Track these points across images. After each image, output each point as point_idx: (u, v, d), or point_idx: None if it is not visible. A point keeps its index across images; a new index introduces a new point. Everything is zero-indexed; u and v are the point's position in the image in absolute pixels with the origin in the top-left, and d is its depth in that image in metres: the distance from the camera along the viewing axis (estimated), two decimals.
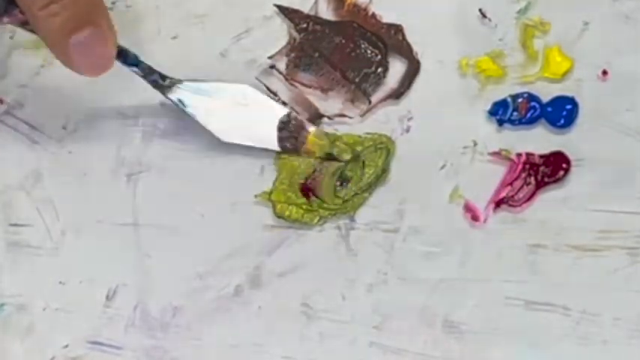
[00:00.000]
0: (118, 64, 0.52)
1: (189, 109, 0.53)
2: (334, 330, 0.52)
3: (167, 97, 0.53)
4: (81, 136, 0.55)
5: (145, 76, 0.53)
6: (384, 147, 0.53)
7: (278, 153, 0.54)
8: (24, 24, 0.51)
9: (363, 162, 0.53)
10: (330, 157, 0.53)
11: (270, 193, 0.53)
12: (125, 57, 0.52)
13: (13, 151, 0.55)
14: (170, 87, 0.53)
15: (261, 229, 0.53)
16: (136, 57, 0.53)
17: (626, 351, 0.50)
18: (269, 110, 0.54)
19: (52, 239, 0.54)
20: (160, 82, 0.53)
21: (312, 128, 0.53)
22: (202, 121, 0.53)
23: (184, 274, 0.53)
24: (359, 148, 0.53)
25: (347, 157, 0.53)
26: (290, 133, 0.53)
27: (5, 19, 0.51)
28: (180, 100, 0.53)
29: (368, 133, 0.54)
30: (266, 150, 0.54)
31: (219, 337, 0.52)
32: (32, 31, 0.51)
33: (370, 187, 0.53)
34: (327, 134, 0.53)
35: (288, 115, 0.53)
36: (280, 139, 0.53)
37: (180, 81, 0.53)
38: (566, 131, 0.53)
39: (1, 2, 0.51)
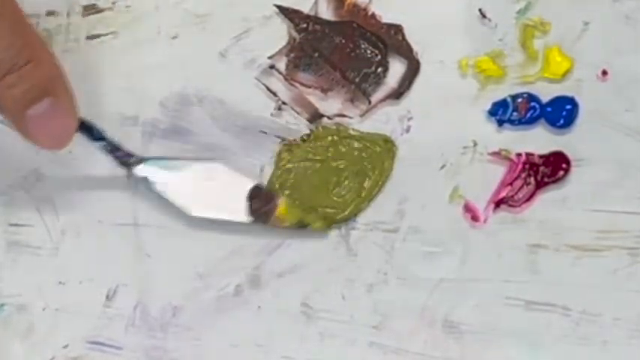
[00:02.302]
0: (114, 62, 0.52)
1: (156, 186, 0.53)
2: (334, 330, 0.52)
3: (133, 174, 0.53)
4: (81, 136, 0.55)
5: (110, 152, 0.52)
6: (390, 149, 0.53)
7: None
8: None
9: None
10: (301, 225, 0.53)
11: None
12: (90, 131, 0.51)
13: (13, 151, 0.55)
14: (137, 164, 0.53)
15: (261, 229, 0.53)
16: (101, 132, 0.52)
17: (626, 351, 0.50)
18: (238, 183, 0.53)
19: (52, 239, 0.54)
20: (125, 159, 0.52)
21: (280, 200, 0.53)
22: (170, 197, 0.52)
23: (184, 274, 0.53)
24: (361, 146, 0.53)
25: (318, 225, 0.53)
26: (260, 205, 0.53)
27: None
28: (146, 178, 0.52)
29: (369, 133, 0.54)
30: (260, 155, 0.54)
31: (219, 337, 0.53)
32: None
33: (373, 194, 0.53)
34: (298, 207, 0.53)
35: (258, 186, 0.53)
36: (251, 212, 0.52)
37: (147, 159, 0.53)
38: (566, 131, 0.53)
39: None
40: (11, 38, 0.47)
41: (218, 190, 0.53)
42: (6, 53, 0.47)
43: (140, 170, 0.53)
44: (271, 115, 0.54)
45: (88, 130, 0.51)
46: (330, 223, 0.53)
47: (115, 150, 0.52)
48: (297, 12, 0.55)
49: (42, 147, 0.50)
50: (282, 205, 0.53)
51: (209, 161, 0.53)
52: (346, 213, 0.53)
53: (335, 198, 0.53)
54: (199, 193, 0.53)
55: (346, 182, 0.53)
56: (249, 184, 0.53)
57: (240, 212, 0.53)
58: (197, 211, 0.53)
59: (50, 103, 0.48)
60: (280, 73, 0.55)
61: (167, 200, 0.53)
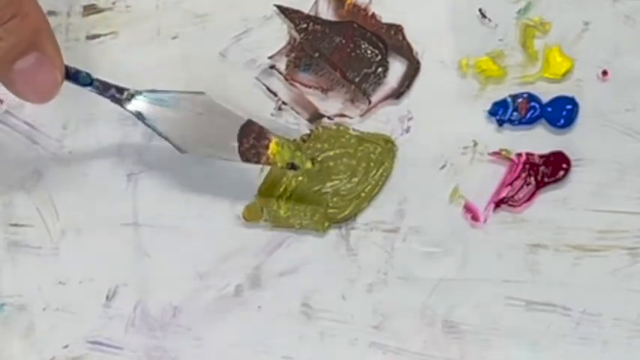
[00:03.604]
0: (113, 60, 0.51)
1: (148, 121, 0.52)
2: (334, 330, 0.52)
3: (126, 110, 0.52)
4: (81, 136, 0.55)
5: (101, 93, 0.52)
6: (390, 149, 0.53)
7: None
8: None
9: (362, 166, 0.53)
10: (291, 167, 0.52)
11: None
12: (77, 78, 0.51)
13: (13, 151, 0.55)
14: (129, 99, 0.52)
15: (261, 229, 0.53)
16: (88, 76, 0.51)
17: (626, 351, 0.50)
18: (229, 120, 0.52)
19: (52, 239, 0.54)
20: (118, 95, 0.52)
21: (272, 137, 0.52)
22: (163, 133, 0.52)
23: (184, 274, 0.53)
24: (361, 146, 0.53)
25: (308, 166, 0.53)
26: (251, 143, 0.52)
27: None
28: (139, 112, 0.52)
29: (369, 133, 0.54)
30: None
31: (219, 337, 0.53)
32: None
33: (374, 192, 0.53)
34: (288, 142, 0.52)
35: (249, 123, 0.52)
36: (241, 150, 0.52)
37: (138, 92, 0.52)
38: (566, 131, 0.53)
39: None
40: None
41: (210, 127, 0.52)
42: None
43: (133, 105, 0.52)
44: (271, 115, 0.54)
45: (74, 76, 0.51)
46: (330, 223, 0.53)
47: (106, 90, 0.52)
48: (297, 12, 0.55)
49: (28, 101, 0.49)
50: (273, 144, 0.52)
51: (199, 94, 0.52)
52: (346, 213, 0.53)
53: (335, 198, 0.53)
54: (191, 130, 0.52)
55: (346, 182, 0.53)
56: (240, 121, 0.52)
57: (232, 151, 0.52)
58: (189, 149, 0.51)
59: (37, 57, 0.48)
60: (280, 73, 0.55)
61: (159, 135, 0.52)
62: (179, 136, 0.52)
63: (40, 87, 0.49)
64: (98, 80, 0.51)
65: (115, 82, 0.52)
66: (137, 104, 0.52)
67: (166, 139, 0.52)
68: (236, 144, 0.52)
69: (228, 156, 0.52)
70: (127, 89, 0.52)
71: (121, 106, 0.52)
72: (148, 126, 0.52)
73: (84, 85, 0.51)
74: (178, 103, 0.52)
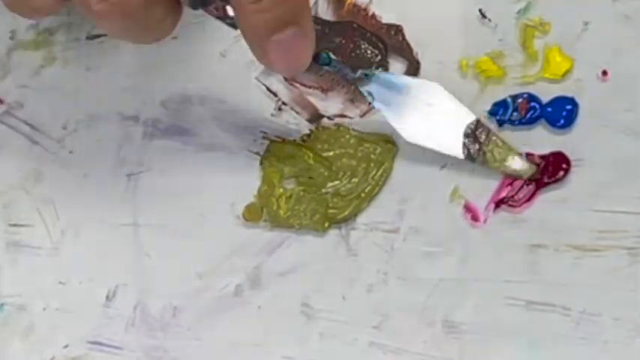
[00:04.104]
0: (113, 59, 0.52)
1: (376, 103, 0.52)
2: (334, 330, 0.52)
3: (359, 90, 0.52)
4: (81, 136, 0.55)
5: (337, 73, 0.52)
6: (390, 149, 0.53)
7: (265, 153, 0.54)
8: (220, 18, 0.50)
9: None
10: (512, 173, 0.52)
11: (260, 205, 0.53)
12: (317, 58, 0.51)
13: (13, 151, 0.55)
14: (361, 79, 0.52)
15: (261, 229, 0.53)
16: (328, 56, 0.52)
17: (626, 351, 0.50)
18: (457, 114, 0.52)
19: (52, 239, 0.54)
20: (351, 75, 0.52)
21: (496, 138, 0.52)
22: (388, 116, 0.52)
23: (184, 274, 0.53)
24: (361, 146, 0.53)
25: (529, 173, 0.52)
26: (476, 141, 0.52)
27: (201, 11, 0.50)
28: (369, 93, 0.52)
29: (369, 133, 0.54)
30: (261, 146, 0.54)
31: (219, 337, 0.53)
32: (231, 24, 0.50)
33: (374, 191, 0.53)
34: (510, 148, 0.52)
35: (477, 121, 0.52)
36: (465, 146, 0.52)
37: (373, 73, 0.52)
38: (566, 131, 0.53)
39: None
40: None
41: (437, 118, 0.52)
42: None
43: (365, 86, 0.52)
44: (271, 115, 0.55)
45: (315, 56, 0.51)
46: (330, 223, 0.53)
47: (341, 70, 0.52)
48: None
49: (276, 71, 0.51)
50: (497, 146, 0.52)
51: (434, 83, 0.52)
52: (346, 213, 0.53)
53: (335, 198, 0.53)
54: (418, 119, 0.52)
55: (346, 182, 0.53)
56: (469, 118, 0.52)
57: (455, 147, 0.52)
58: (411, 137, 0.52)
59: (295, 31, 0.48)
60: None
61: (385, 119, 0.52)
62: (404, 123, 0.52)
63: (291, 61, 0.49)
64: (335, 61, 0.52)
65: (349, 65, 0.53)
66: (369, 84, 0.52)
67: (391, 124, 0.52)
68: (461, 140, 0.52)
69: (450, 151, 0.52)
70: (361, 70, 0.52)
71: (355, 85, 0.53)
72: (376, 108, 0.52)
73: (322, 64, 0.52)
74: (409, 89, 0.52)
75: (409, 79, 0.53)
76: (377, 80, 0.52)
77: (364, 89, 0.52)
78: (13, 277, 0.54)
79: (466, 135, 0.52)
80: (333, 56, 0.52)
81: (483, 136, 0.52)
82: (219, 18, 0.50)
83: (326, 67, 0.52)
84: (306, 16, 0.49)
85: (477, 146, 0.52)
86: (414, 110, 0.52)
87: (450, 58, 0.54)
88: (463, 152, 0.52)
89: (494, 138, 0.52)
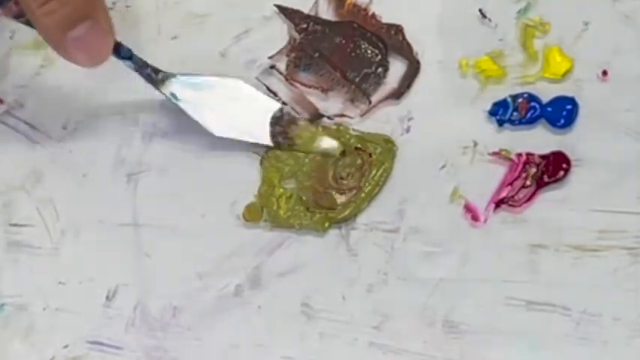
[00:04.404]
0: (113, 60, 0.52)
1: (181, 103, 0.53)
2: (334, 330, 0.52)
3: (160, 91, 0.53)
4: (81, 136, 0.55)
5: (138, 70, 0.53)
6: (390, 149, 0.53)
7: (265, 153, 0.54)
8: (17, 17, 0.51)
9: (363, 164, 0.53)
10: (323, 153, 0.53)
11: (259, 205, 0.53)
12: (119, 50, 0.52)
13: (13, 151, 0.55)
14: (163, 81, 0.53)
15: (261, 229, 0.53)
16: (129, 50, 0.53)
17: (626, 351, 0.50)
18: (262, 105, 0.53)
19: (52, 239, 0.54)
20: (153, 75, 0.53)
21: (303, 122, 0.53)
22: (195, 115, 0.53)
23: (184, 274, 0.53)
24: (364, 145, 0.53)
25: (335, 152, 0.53)
26: (282, 128, 0.53)
27: None
28: (172, 94, 0.53)
29: (369, 133, 0.54)
30: (261, 146, 0.54)
31: (219, 337, 0.53)
32: (26, 23, 0.51)
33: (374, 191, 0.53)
34: (318, 127, 0.53)
35: (281, 109, 0.53)
36: (272, 134, 0.53)
37: (173, 75, 0.53)
38: (566, 131, 0.53)
39: None
40: None
41: (242, 111, 0.53)
42: None
43: (167, 87, 0.53)
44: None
45: (116, 48, 0.52)
46: (330, 223, 0.53)
47: (142, 68, 0.53)
48: (297, 12, 0.55)
49: (81, 65, 0.51)
50: (303, 129, 0.53)
51: (237, 80, 0.54)
52: (346, 213, 0.53)
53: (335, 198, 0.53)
54: (224, 113, 0.53)
55: (346, 182, 0.53)
56: (273, 107, 0.53)
57: (263, 135, 0.53)
58: (220, 131, 0.53)
59: (89, 25, 0.49)
60: (280, 73, 0.55)
61: (190, 118, 0.53)
62: (211, 118, 0.53)
63: (92, 54, 0.50)
64: (137, 57, 0.53)
65: (152, 65, 0.53)
66: (171, 86, 0.53)
67: (198, 121, 0.53)
68: (268, 128, 0.52)
69: (259, 139, 0.53)
70: (162, 71, 0.53)
71: (155, 86, 0.53)
72: (181, 108, 0.53)
73: (124, 58, 0.53)
74: (213, 87, 0.53)
75: (210, 78, 0.54)
76: (179, 82, 0.53)
77: (167, 91, 0.53)
78: (13, 277, 0.54)
79: (272, 123, 0.53)
80: (134, 53, 0.53)
81: (288, 122, 0.53)
82: (15, 18, 0.51)
83: (127, 62, 0.53)
84: (98, 9, 0.50)
85: (283, 132, 0.53)
86: (219, 106, 0.53)
87: (450, 57, 0.54)
88: (271, 139, 0.53)
89: (300, 122, 0.53)
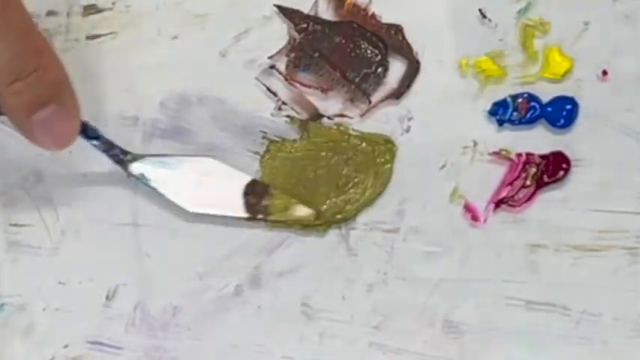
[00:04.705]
0: (114, 60, 0.52)
1: (152, 183, 0.53)
2: (334, 330, 0.52)
3: (128, 172, 0.53)
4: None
5: (105, 151, 0.53)
6: (390, 149, 0.53)
7: (264, 153, 0.54)
8: None
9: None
10: (297, 221, 0.53)
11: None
12: (85, 131, 0.52)
13: (13, 151, 0.55)
14: (131, 161, 0.53)
15: (261, 229, 0.53)
16: (95, 131, 0.52)
17: (626, 351, 0.50)
18: (233, 178, 0.53)
19: (52, 239, 0.54)
20: (121, 157, 0.53)
21: (275, 192, 0.53)
22: (167, 194, 0.53)
23: (184, 274, 0.53)
24: (363, 144, 0.53)
25: (310, 218, 0.53)
26: (256, 199, 0.53)
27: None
28: (142, 175, 0.53)
29: (369, 133, 0.54)
30: (261, 147, 0.54)
31: (219, 337, 0.53)
32: None
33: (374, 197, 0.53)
34: (289, 198, 0.53)
35: (253, 181, 0.53)
36: (246, 206, 0.53)
37: (141, 156, 0.53)
38: (566, 131, 0.53)
39: None
40: (19, 46, 0.48)
41: (214, 186, 0.53)
42: (14, 61, 0.48)
43: (136, 168, 0.53)
44: (271, 115, 0.54)
45: (83, 129, 0.51)
46: (331, 223, 0.53)
47: (109, 149, 0.53)
48: (297, 12, 0.55)
49: (45, 149, 0.51)
50: (277, 198, 0.53)
51: (204, 157, 0.53)
52: (346, 214, 0.53)
53: (334, 198, 0.53)
54: (196, 190, 0.53)
55: (346, 182, 0.53)
56: (244, 180, 0.53)
57: (237, 208, 0.53)
58: (195, 208, 0.53)
59: (55, 109, 0.49)
60: (280, 73, 0.55)
61: (162, 197, 0.53)
62: (184, 196, 0.53)
63: (57, 137, 0.50)
64: (105, 138, 0.53)
65: (120, 146, 0.53)
66: (140, 167, 0.53)
67: (170, 200, 0.53)
68: (242, 201, 0.52)
69: (234, 213, 0.53)
70: (130, 152, 0.53)
71: (123, 167, 0.53)
72: (151, 188, 0.53)
73: (90, 138, 0.52)
74: (182, 165, 0.53)
75: (181, 158, 0.53)
76: (148, 162, 0.53)
77: (136, 171, 0.53)
78: (13, 277, 0.54)
79: (245, 194, 0.53)
80: (100, 133, 0.52)
81: (261, 192, 0.53)
82: None
83: (94, 143, 0.52)
84: (65, 91, 0.50)
85: (256, 202, 0.53)
86: (191, 183, 0.53)
87: (450, 57, 0.54)
88: (245, 210, 0.53)
89: (272, 191, 0.53)
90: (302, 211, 0.53)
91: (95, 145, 0.52)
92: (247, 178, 0.53)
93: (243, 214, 0.53)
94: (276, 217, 0.53)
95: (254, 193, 0.53)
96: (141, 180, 0.53)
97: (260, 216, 0.53)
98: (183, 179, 0.53)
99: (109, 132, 0.54)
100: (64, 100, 0.50)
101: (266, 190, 0.53)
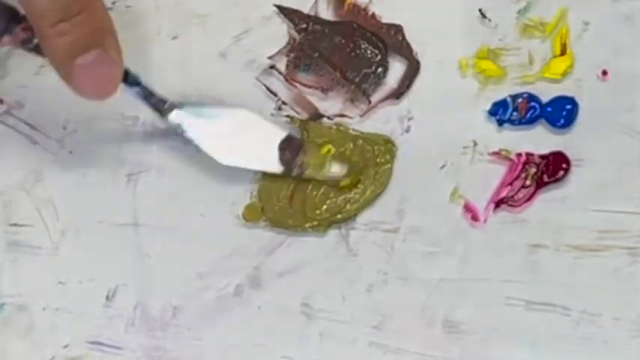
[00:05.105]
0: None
1: (188, 134, 0.53)
2: (334, 330, 0.52)
3: (166, 122, 0.53)
4: (81, 136, 0.55)
5: (145, 98, 0.53)
6: (390, 149, 0.53)
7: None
8: (24, 43, 0.50)
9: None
10: (331, 178, 0.53)
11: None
12: (126, 77, 0.52)
13: (13, 151, 0.55)
14: (170, 110, 0.53)
15: (261, 229, 0.53)
16: (136, 78, 0.52)
17: (626, 351, 0.50)
18: (269, 132, 0.53)
19: (52, 239, 0.54)
20: (159, 105, 0.53)
21: (311, 147, 0.53)
22: (202, 144, 0.53)
23: (184, 274, 0.53)
24: (361, 143, 0.53)
25: (343, 173, 0.53)
26: (291, 154, 0.53)
27: (6, 39, 0.50)
28: (179, 124, 0.53)
29: (369, 133, 0.54)
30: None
31: (219, 337, 0.53)
32: (34, 50, 0.50)
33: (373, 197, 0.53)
34: (325, 154, 0.53)
35: (289, 136, 0.53)
36: (281, 161, 0.53)
37: (180, 104, 0.53)
38: (566, 131, 0.53)
39: (1, 21, 0.50)
40: None
41: (250, 140, 0.53)
42: (60, 1, 0.47)
43: (174, 117, 0.53)
44: (271, 115, 0.55)
45: (125, 75, 0.51)
46: (330, 223, 0.53)
47: (149, 96, 0.53)
48: (297, 12, 0.55)
49: (85, 96, 0.50)
50: (312, 155, 0.53)
51: (242, 109, 0.53)
52: (346, 214, 0.53)
53: (335, 198, 0.53)
54: (231, 143, 0.53)
55: (346, 182, 0.53)
56: (281, 134, 0.53)
57: (271, 162, 0.53)
58: (228, 160, 0.53)
59: (98, 54, 0.49)
60: (280, 73, 0.55)
61: (197, 148, 0.53)
62: (218, 147, 0.53)
63: (99, 84, 0.50)
64: (145, 85, 0.52)
65: (159, 94, 0.53)
66: (177, 116, 0.53)
67: (205, 151, 0.53)
68: (277, 155, 0.52)
69: (268, 167, 0.53)
70: (169, 100, 0.53)
71: (162, 115, 0.53)
72: (187, 138, 0.53)
73: (131, 84, 0.52)
74: (219, 117, 0.53)
75: (217, 109, 0.53)
76: (186, 111, 0.53)
77: (173, 121, 0.53)
78: (13, 277, 0.54)
79: (280, 149, 0.53)
80: (141, 80, 0.52)
81: (296, 148, 0.53)
82: (23, 45, 0.50)
83: (134, 89, 0.52)
84: (109, 38, 0.49)
85: (291, 158, 0.53)
86: (226, 136, 0.53)
87: (450, 57, 0.54)
88: (280, 166, 0.53)
89: (308, 148, 0.53)
90: (336, 168, 0.53)
91: (136, 92, 0.52)
92: (283, 133, 0.53)
93: (278, 169, 0.53)
94: (311, 174, 0.53)
95: (290, 148, 0.53)
96: (177, 130, 0.53)
97: (295, 172, 0.53)
98: (219, 131, 0.53)
99: (109, 132, 0.54)
100: (108, 45, 0.49)
101: (301, 146, 0.53)
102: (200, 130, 0.53)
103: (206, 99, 0.54)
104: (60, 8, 0.48)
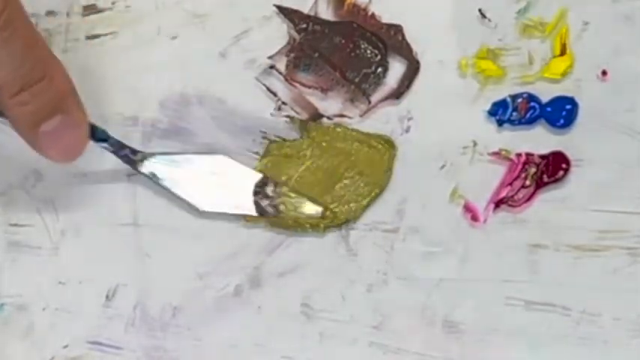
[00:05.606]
0: (114, 60, 0.52)
1: (163, 182, 0.53)
2: (334, 330, 0.52)
3: (139, 172, 0.53)
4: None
5: (115, 152, 0.53)
6: (391, 147, 0.53)
7: (264, 153, 0.54)
8: None
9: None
10: (307, 218, 0.53)
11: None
12: (94, 133, 0.51)
13: (13, 151, 0.55)
14: (142, 161, 0.53)
15: (261, 229, 0.53)
16: (104, 132, 0.52)
17: (626, 351, 0.50)
18: (244, 176, 0.53)
19: (51, 239, 0.54)
20: (131, 156, 0.53)
21: (285, 189, 0.53)
22: (178, 192, 0.53)
23: (184, 274, 0.53)
24: (362, 145, 0.53)
25: (320, 216, 0.53)
26: (266, 196, 0.53)
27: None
28: (153, 174, 0.53)
29: (369, 133, 0.54)
30: (260, 147, 0.54)
31: (219, 337, 0.53)
32: (1, 115, 0.50)
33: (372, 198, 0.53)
34: (301, 194, 0.53)
35: (263, 179, 0.53)
36: (257, 203, 0.53)
37: (152, 154, 0.53)
38: (566, 131, 0.53)
39: None
40: (24, 55, 0.48)
41: (224, 184, 0.53)
42: (19, 71, 0.48)
43: (147, 167, 0.53)
44: (271, 115, 0.55)
45: (92, 132, 0.51)
46: (330, 224, 0.53)
47: (119, 149, 0.53)
48: (297, 12, 0.55)
49: (54, 160, 0.51)
50: (287, 197, 0.53)
51: (213, 154, 0.53)
52: (346, 214, 0.53)
53: (334, 198, 0.53)
54: (206, 188, 0.53)
55: (346, 182, 0.53)
56: (255, 177, 0.53)
57: (247, 206, 0.53)
58: (205, 206, 0.53)
59: (61, 120, 0.49)
60: (280, 73, 0.55)
61: (173, 196, 0.53)
62: (195, 194, 0.53)
63: (65, 148, 0.50)
64: (114, 139, 0.52)
65: (129, 146, 0.53)
66: (150, 165, 0.53)
67: (181, 198, 0.53)
68: (252, 199, 0.52)
69: (245, 211, 0.53)
70: (141, 151, 0.53)
71: (134, 167, 0.53)
72: (162, 187, 0.53)
73: (99, 140, 0.52)
74: (193, 163, 0.53)
75: (191, 156, 0.53)
76: (158, 160, 0.53)
77: (146, 171, 0.53)
78: (13, 277, 0.54)
79: (255, 193, 0.53)
80: (109, 135, 0.52)
81: (272, 191, 0.53)
82: None
83: (103, 145, 0.52)
84: (71, 101, 0.49)
85: (267, 201, 0.53)
86: (202, 181, 0.53)
87: (450, 57, 0.54)
88: (256, 209, 0.53)
89: (282, 190, 0.53)
90: (311, 209, 0.53)
91: (105, 147, 0.52)
92: (258, 176, 0.53)
93: (254, 212, 0.53)
94: (286, 216, 0.53)
95: (265, 191, 0.53)
96: (152, 179, 0.53)
97: (271, 213, 0.53)
98: (194, 177, 0.53)
99: (109, 132, 0.54)
100: (71, 109, 0.49)
101: (276, 189, 0.53)
102: (175, 178, 0.53)
103: (170, 150, 0.54)
104: (18, 78, 0.48)
